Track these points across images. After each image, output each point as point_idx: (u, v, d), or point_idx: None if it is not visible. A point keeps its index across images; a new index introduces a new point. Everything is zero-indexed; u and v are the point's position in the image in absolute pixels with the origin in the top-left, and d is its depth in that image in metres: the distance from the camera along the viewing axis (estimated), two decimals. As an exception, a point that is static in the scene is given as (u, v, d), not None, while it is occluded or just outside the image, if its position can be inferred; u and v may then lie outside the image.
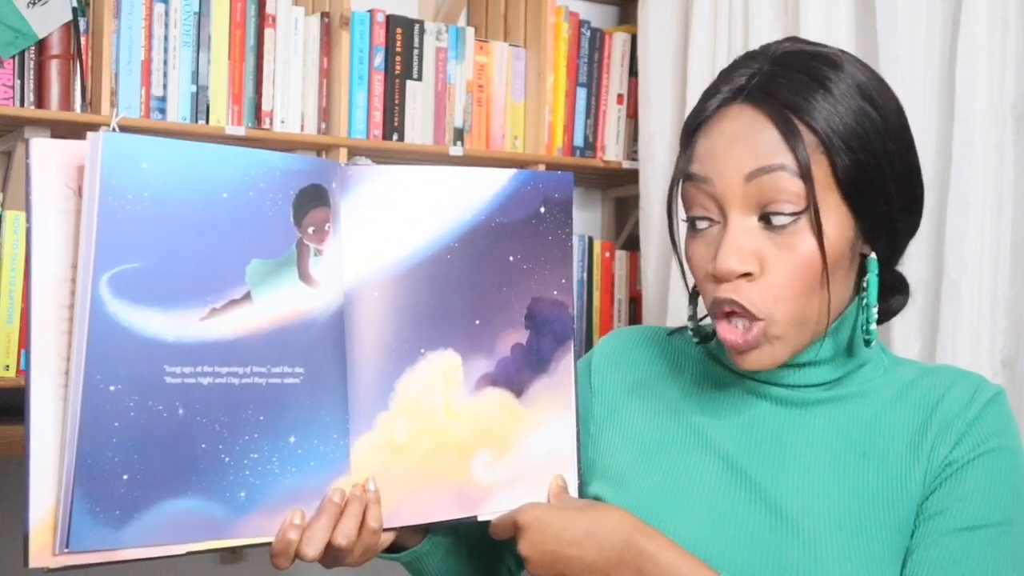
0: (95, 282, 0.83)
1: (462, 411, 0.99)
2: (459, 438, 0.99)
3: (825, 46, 1.00)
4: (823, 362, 1.00)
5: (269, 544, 0.91)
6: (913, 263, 1.72)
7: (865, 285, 0.98)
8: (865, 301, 0.98)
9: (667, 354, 1.11)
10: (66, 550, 0.82)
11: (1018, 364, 1.61)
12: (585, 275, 2.40)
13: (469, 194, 1.00)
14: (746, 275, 0.93)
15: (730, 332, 0.95)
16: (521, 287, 1.02)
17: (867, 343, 0.98)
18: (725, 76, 0.99)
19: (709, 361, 1.08)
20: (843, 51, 1.00)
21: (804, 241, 0.93)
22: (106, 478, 0.84)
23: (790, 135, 0.92)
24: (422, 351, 0.98)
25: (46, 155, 0.85)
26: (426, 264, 0.98)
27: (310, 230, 0.93)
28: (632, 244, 2.48)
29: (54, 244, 0.85)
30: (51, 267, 0.85)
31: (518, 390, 1.02)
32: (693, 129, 0.99)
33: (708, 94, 0.99)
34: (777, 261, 0.93)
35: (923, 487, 0.95)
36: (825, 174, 0.93)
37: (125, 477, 0.84)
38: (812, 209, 0.92)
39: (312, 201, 0.93)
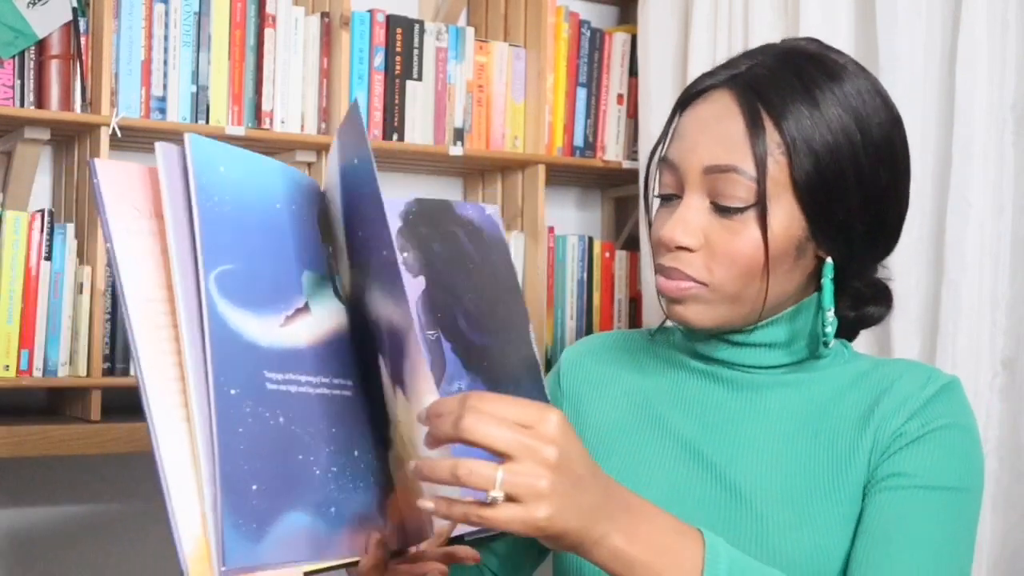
0: (205, 282, 0.79)
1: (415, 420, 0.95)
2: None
3: (838, 54, 1.02)
4: (779, 345, 1.04)
5: (355, 563, 0.85)
6: (913, 263, 1.72)
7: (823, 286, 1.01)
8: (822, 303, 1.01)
9: (633, 351, 1.16)
10: (223, 568, 0.76)
11: (1018, 364, 1.61)
12: (585, 275, 2.40)
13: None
14: (687, 248, 0.99)
15: (665, 284, 1.01)
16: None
17: (824, 344, 1.01)
18: (730, 60, 1.04)
19: (673, 351, 1.12)
20: (856, 65, 1.02)
21: (748, 230, 0.98)
22: (241, 489, 0.78)
23: (754, 129, 0.96)
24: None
25: (112, 177, 0.82)
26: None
27: (329, 249, 0.92)
28: (632, 244, 2.48)
29: (139, 267, 0.81)
30: (143, 290, 0.81)
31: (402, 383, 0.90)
32: (682, 102, 1.04)
33: (707, 73, 1.04)
34: (720, 242, 0.98)
35: (870, 455, 0.98)
36: (782, 174, 0.97)
37: (254, 487, 0.78)
38: (760, 206, 0.96)
39: (328, 223, 0.92)
